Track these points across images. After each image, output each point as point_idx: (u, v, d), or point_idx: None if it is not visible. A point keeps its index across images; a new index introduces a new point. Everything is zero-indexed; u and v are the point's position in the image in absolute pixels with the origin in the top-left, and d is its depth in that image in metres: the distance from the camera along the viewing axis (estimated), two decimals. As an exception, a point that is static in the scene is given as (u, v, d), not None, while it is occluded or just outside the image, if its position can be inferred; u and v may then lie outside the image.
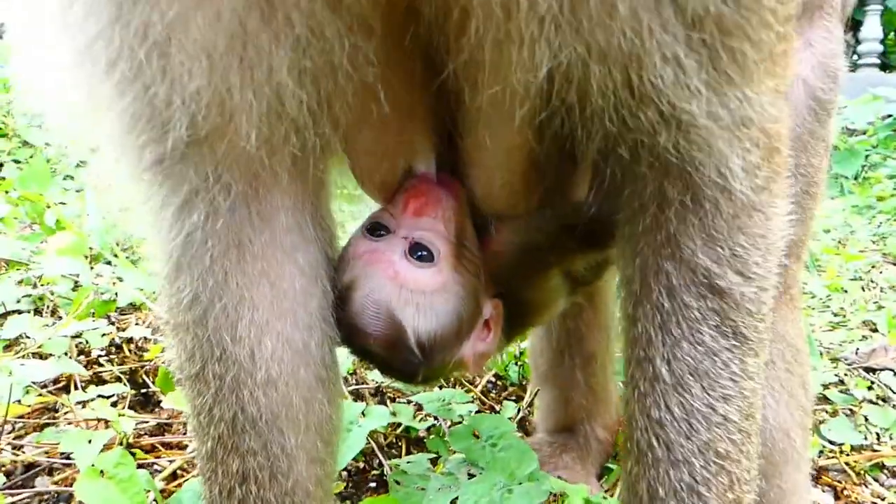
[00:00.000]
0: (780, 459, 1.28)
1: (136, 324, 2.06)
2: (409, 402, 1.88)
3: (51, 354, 1.65)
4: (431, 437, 1.65)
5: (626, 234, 0.91)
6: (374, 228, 1.00)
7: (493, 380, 2.12)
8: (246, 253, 0.89)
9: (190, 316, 0.90)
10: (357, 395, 1.88)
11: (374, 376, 1.94)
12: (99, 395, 1.58)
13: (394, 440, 1.68)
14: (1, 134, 4.26)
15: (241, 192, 0.87)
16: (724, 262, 0.84)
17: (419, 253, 0.95)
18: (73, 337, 1.82)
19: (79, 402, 1.61)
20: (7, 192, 3.25)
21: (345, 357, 1.96)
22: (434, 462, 1.49)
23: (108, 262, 2.50)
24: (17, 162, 4.05)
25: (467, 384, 2.04)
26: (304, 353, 0.94)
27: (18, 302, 2.02)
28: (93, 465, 1.14)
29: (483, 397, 1.99)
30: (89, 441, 1.44)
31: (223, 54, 0.73)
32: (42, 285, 2.14)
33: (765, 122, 0.81)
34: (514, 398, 2.05)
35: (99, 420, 1.56)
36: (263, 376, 0.91)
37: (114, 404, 1.71)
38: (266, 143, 0.82)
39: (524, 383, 2.12)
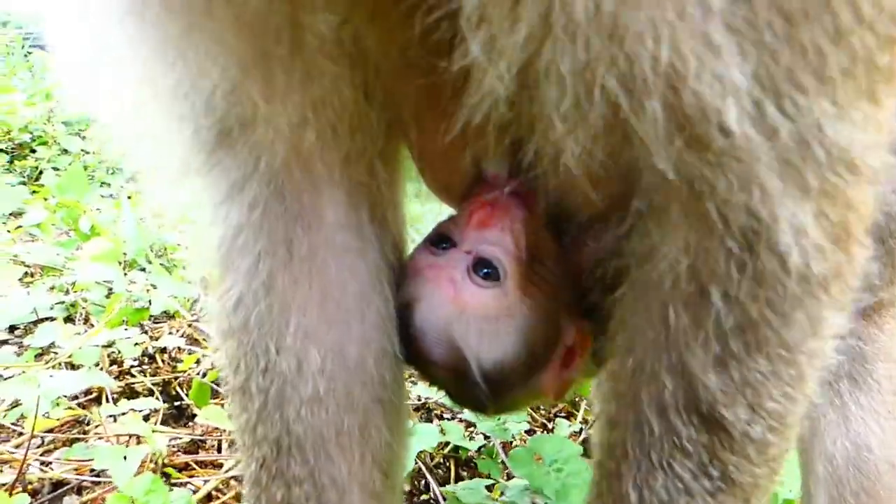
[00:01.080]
0: (885, 495, 1.13)
1: (170, 333, 1.98)
2: (455, 418, 1.76)
3: (82, 365, 1.57)
4: (482, 457, 1.53)
5: (620, 322, 0.74)
6: (438, 240, 0.90)
7: (542, 395, 1.99)
8: (294, 252, 0.80)
9: (235, 321, 0.82)
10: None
11: (419, 391, 1.82)
12: (131, 409, 1.49)
13: (441, 460, 1.56)
14: (41, 142, 4.27)
15: (288, 185, 0.79)
16: (734, 389, 0.66)
17: (483, 270, 0.85)
18: (104, 346, 1.74)
19: (110, 416, 1.53)
20: (46, 199, 3.24)
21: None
22: (490, 488, 1.37)
23: (143, 269, 2.43)
24: (56, 169, 4.05)
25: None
26: (358, 370, 0.84)
27: (52, 309, 1.96)
28: (120, 492, 1.04)
29: (533, 413, 1.86)
30: (124, 458, 1.36)
31: (246, 48, 0.67)
32: (75, 292, 2.07)
33: (847, 156, 0.58)
34: (565, 415, 1.92)
35: (130, 435, 1.47)
36: (310, 392, 0.81)
37: (146, 418, 1.62)
38: (306, 138, 0.74)
39: (577, 400, 1.98)
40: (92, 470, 1.42)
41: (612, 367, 0.77)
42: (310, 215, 0.80)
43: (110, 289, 2.09)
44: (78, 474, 1.42)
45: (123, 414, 1.51)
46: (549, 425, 1.81)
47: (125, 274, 2.18)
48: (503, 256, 0.86)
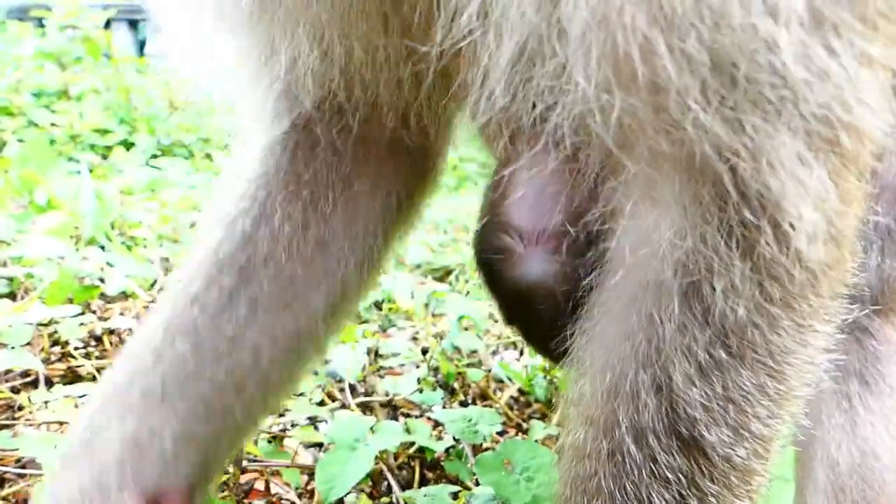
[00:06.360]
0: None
1: (122, 314, 1.83)
2: (422, 415, 1.63)
3: (9, 344, 1.43)
4: (451, 458, 1.41)
5: (594, 336, 0.70)
6: None
7: (517, 395, 1.87)
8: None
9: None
10: (365, 408, 1.63)
11: (386, 386, 1.69)
12: (64, 396, 1.35)
13: (406, 461, 1.43)
14: (7, 112, 4.09)
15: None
16: (716, 406, 0.62)
17: None
18: (44, 325, 1.60)
19: (44, 402, 1.38)
20: (7, 172, 3.07)
21: (354, 363, 1.74)
22: (455, 495, 1.24)
23: (102, 247, 2.29)
24: (21, 141, 3.87)
25: (490, 397, 1.79)
26: None
27: (-9, 284, 1.81)
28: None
29: (508, 412, 1.74)
30: (55, 446, 1.22)
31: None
32: (22, 266, 1.92)
33: (858, 121, 0.55)
34: (539, 416, 1.80)
35: (62, 423, 1.33)
36: None
37: (87, 404, 1.48)
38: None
39: (552, 399, 1.86)
40: (17, 461, 1.28)
41: (579, 390, 0.70)
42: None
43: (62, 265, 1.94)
44: (1, 465, 1.28)
45: (57, 400, 1.37)
46: (524, 426, 1.69)
47: (77, 250, 2.04)
48: None
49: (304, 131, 0.88)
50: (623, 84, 0.55)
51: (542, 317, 0.87)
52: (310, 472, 1.33)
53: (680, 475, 0.62)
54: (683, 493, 0.62)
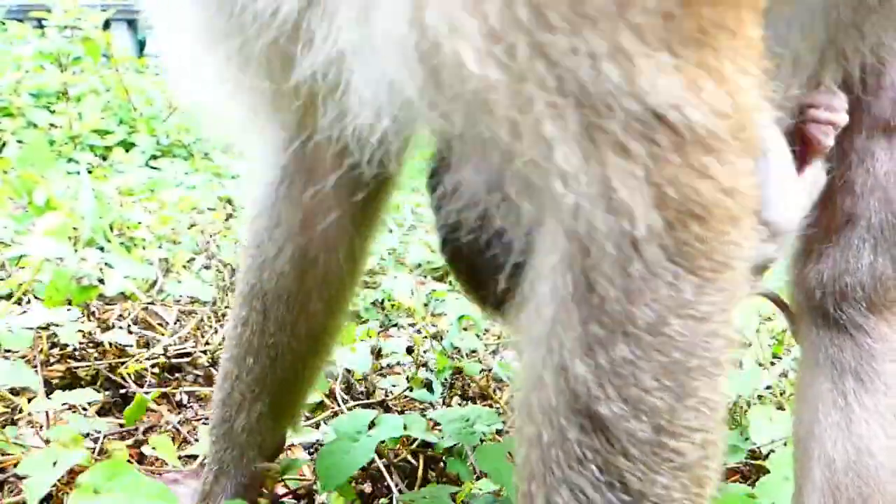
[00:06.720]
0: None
1: (121, 315, 1.84)
2: (421, 414, 1.64)
3: (10, 350, 1.43)
4: (451, 457, 1.41)
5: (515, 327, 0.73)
6: None
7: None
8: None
9: None
10: (365, 407, 1.63)
11: (386, 384, 1.70)
12: (64, 403, 1.35)
13: (406, 458, 1.44)
14: (6, 113, 4.09)
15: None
16: (605, 379, 0.60)
17: None
18: (43, 328, 1.60)
19: (41, 409, 1.38)
20: (6, 172, 3.07)
21: (354, 363, 1.75)
22: (455, 496, 1.25)
23: (101, 248, 2.29)
24: (20, 142, 3.87)
25: (490, 397, 1.79)
26: None
27: (-10, 286, 1.81)
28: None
29: (509, 412, 1.74)
30: (54, 463, 1.20)
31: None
32: (21, 268, 1.92)
33: (646, 102, 0.54)
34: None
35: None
36: None
37: (86, 407, 1.48)
38: None
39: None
40: (17, 465, 1.28)
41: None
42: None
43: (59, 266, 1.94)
44: (1, 467, 1.29)
45: (59, 409, 1.37)
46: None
47: (76, 251, 2.04)
48: None
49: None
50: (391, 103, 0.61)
51: (483, 250, 0.88)
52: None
53: (590, 453, 0.61)
54: (601, 470, 0.61)
